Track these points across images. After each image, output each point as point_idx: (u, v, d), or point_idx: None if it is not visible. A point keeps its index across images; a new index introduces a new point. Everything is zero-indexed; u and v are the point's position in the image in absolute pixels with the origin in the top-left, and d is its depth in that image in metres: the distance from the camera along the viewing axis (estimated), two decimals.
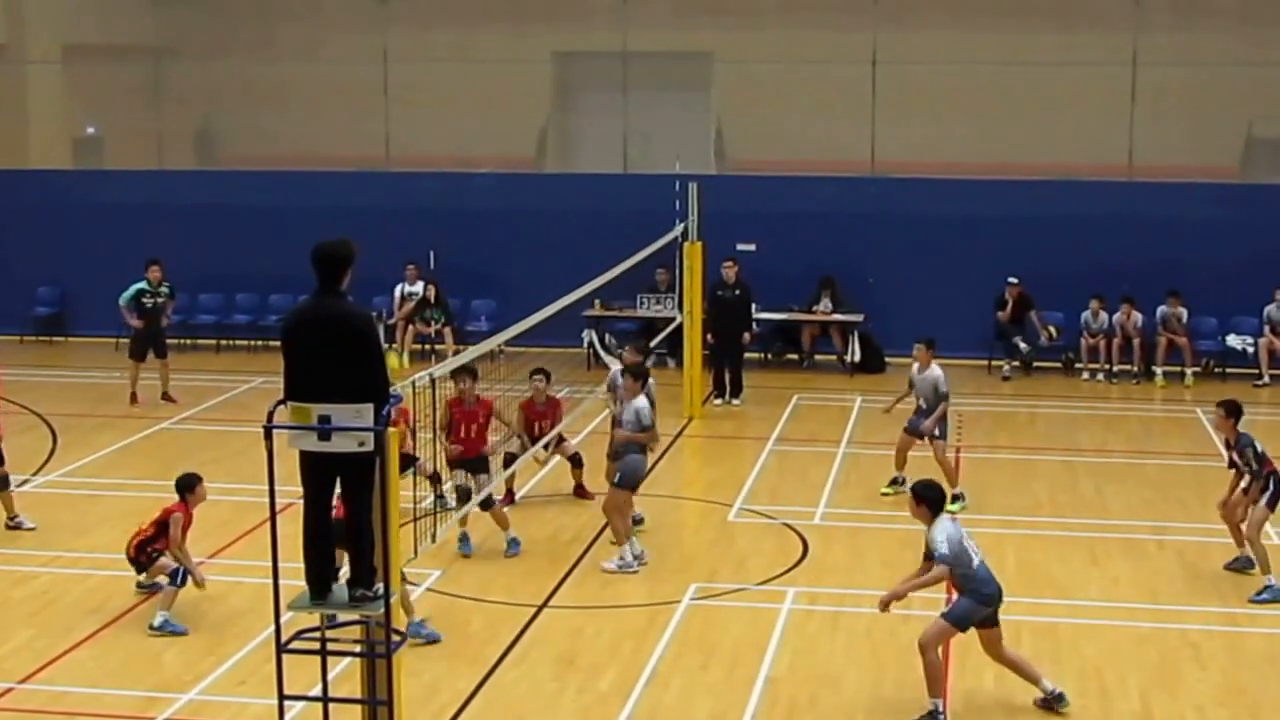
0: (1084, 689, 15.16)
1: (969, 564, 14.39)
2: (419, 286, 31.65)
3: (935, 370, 21.34)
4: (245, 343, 32.73)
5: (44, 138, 36.08)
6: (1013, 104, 32.66)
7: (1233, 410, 18.61)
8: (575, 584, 18.16)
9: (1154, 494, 22.19)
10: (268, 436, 11.01)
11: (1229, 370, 30.22)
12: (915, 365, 21.52)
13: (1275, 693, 15.25)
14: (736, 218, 29.91)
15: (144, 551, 17.04)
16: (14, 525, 20.14)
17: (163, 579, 16.97)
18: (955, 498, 20.98)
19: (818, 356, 31.33)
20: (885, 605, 14.75)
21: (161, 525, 16.98)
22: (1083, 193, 31.50)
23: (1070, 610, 17.36)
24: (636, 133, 34.38)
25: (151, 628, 16.62)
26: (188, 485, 17.19)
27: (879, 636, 16.45)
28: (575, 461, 21.38)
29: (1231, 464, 18.74)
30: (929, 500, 14.64)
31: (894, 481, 21.73)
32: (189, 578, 16.85)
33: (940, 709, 14.36)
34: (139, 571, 17.32)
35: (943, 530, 14.39)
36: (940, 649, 14.60)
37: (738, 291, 28.14)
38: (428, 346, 31.33)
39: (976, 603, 14.42)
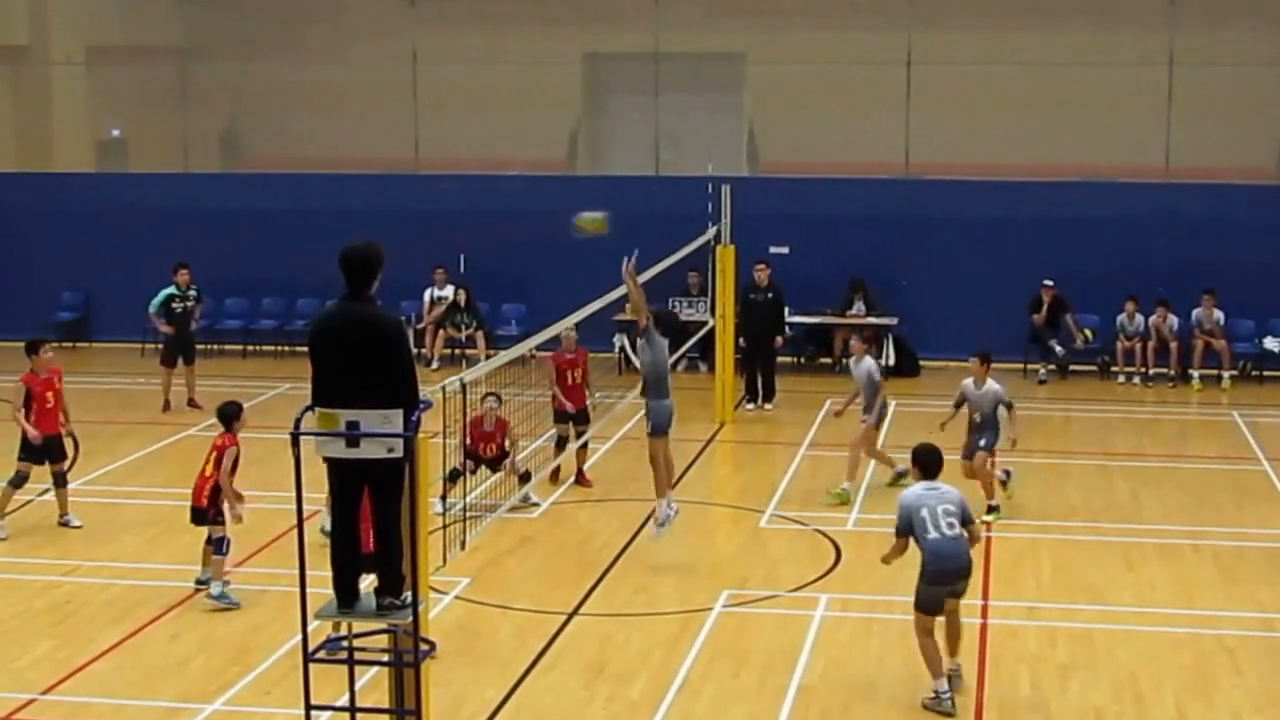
0: (1119, 695, 14.99)
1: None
2: (448, 290, 31.53)
3: (993, 385, 20.93)
4: (272, 347, 32.61)
5: (68, 140, 36.06)
6: (1048, 105, 32.51)
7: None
8: (605, 591, 18.01)
9: (1190, 498, 22.00)
10: (295, 443, 10.86)
11: (1266, 373, 29.98)
12: (970, 380, 21.09)
13: None
14: (769, 220, 29.72)
15: (215, 502, 17.38)
16: (63, 523, 20.34)
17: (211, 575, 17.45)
18: (990, 509, 20.92)
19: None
20: None
21: (219, 462, 17.35)
22: (1118, 194, 31.29)
23: (1105, 615, 17.18)
24: (668, 134, 34.27)
25: (210, 597, 17.22)
26: (233, 414, 17.78)
27: (913, 643, 16.21)
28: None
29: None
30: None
31: (991, 510, 21.12)
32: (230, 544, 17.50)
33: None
34: (198, 523, 17.49)
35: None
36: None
37: (770, 294, 27.97)
38: (458, 351, 31.20)
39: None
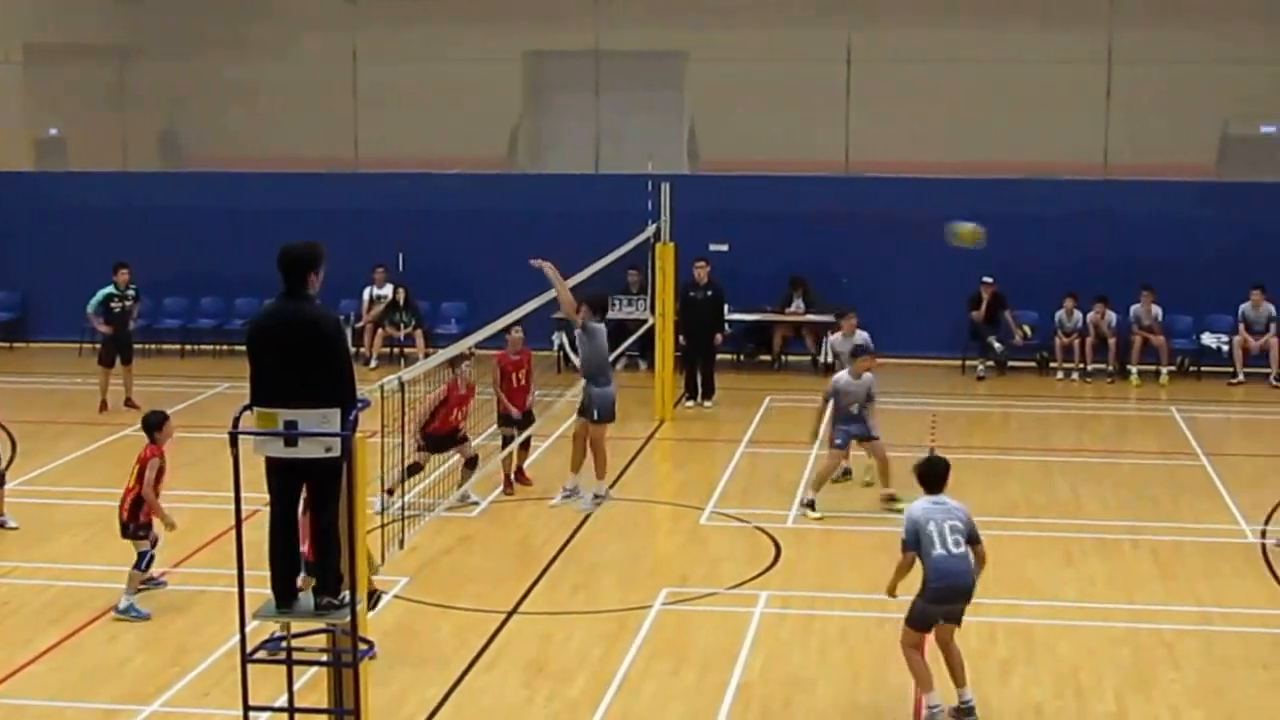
0: (1059, 690, 15.06)
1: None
2: (387, 289, 31.45)
3: (870, 376, 21.21)
4: (210, 347, 32.47)
5: (5, 139, 35.76)
6: (987, 102, 32.59)
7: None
8: (544, 590, 17.98)
9: (1128, 493, 22.13)
10: (233, 443, 10.83)
11: (1204, 369, 30.19)
12: (846, 373, 21.23)
13: (1249, 693, 15.13)
14: (710, 218, 29.74)
15: (136, 514, 16.94)
16: None
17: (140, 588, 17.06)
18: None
19: (790, 357, 31.19)
20: None
21: (141, 475, 16.94)
22: (1058, 191, 31.41)
23: (1045, 611, 17.24)
24: (609, 132, 34.23)
25: (117, 611, 16.83)
26: (155, 423, 17.24)
27: (853, 640, 16.32)
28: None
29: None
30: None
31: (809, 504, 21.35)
32: (152, 560, 17.11)
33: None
34: (124, 535, 17.09)
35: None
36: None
37: (709, 292, 28.01)
38: (397, 350, 31.12)
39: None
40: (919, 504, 14.31)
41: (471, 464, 20.58)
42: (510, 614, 17.12)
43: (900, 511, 20.30)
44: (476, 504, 21.13)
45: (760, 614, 17.14)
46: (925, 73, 32.73)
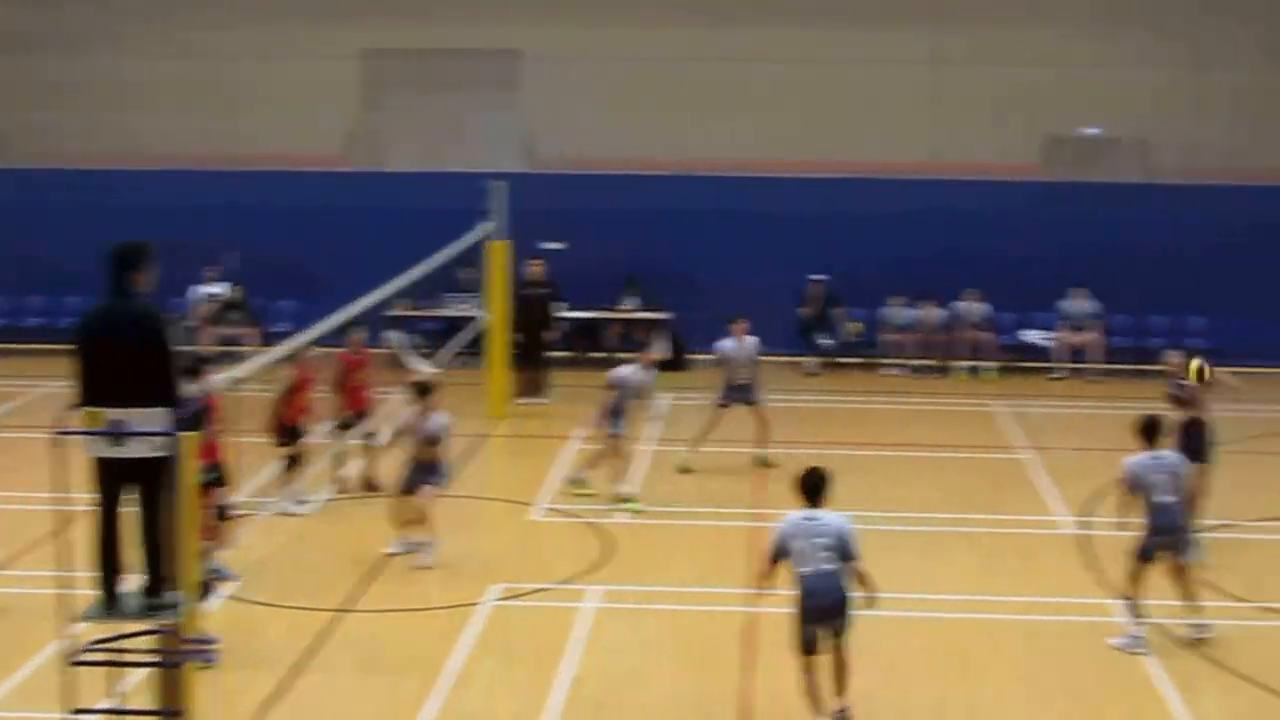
0: (884, 679, 15.28)
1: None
2: (219, 288, 31.24)
3: (649, 371, 22.00)
4: (37, 346, 32.06)
5: None
6: (816, 101, 32.93)
7: None
8: (377, 587, 17.99)
9: (952, 487, 22.47)
10: (59, 443, 10.78)
11: (1027, 365, 30.71)
12: (635, 367, 21.87)
13: (1068, 677, 15.48)
14: (547, 216, 29.76)
15: None
16: None
17: None
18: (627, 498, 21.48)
19: (622, 354, 31.29)
20: None
21: None
22: (886, 189, 31.77)
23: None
24: (445, 131, 34.16)
25: None
26: None
27: (684, 633, 16.51)
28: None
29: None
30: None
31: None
32: None
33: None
34: None
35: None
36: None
37: (542, 290, 28.10)
38: (230, 349, 30.90)
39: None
40: (789, 518, 14.02)
41: (300, 460, 20.67)
42: (342, 612, 17.12)
43: (635, 511, 20.98)
44: (306, 502, 21.09)
45: (592, 609, 17.27)
46: (756, 71, 33.02)
